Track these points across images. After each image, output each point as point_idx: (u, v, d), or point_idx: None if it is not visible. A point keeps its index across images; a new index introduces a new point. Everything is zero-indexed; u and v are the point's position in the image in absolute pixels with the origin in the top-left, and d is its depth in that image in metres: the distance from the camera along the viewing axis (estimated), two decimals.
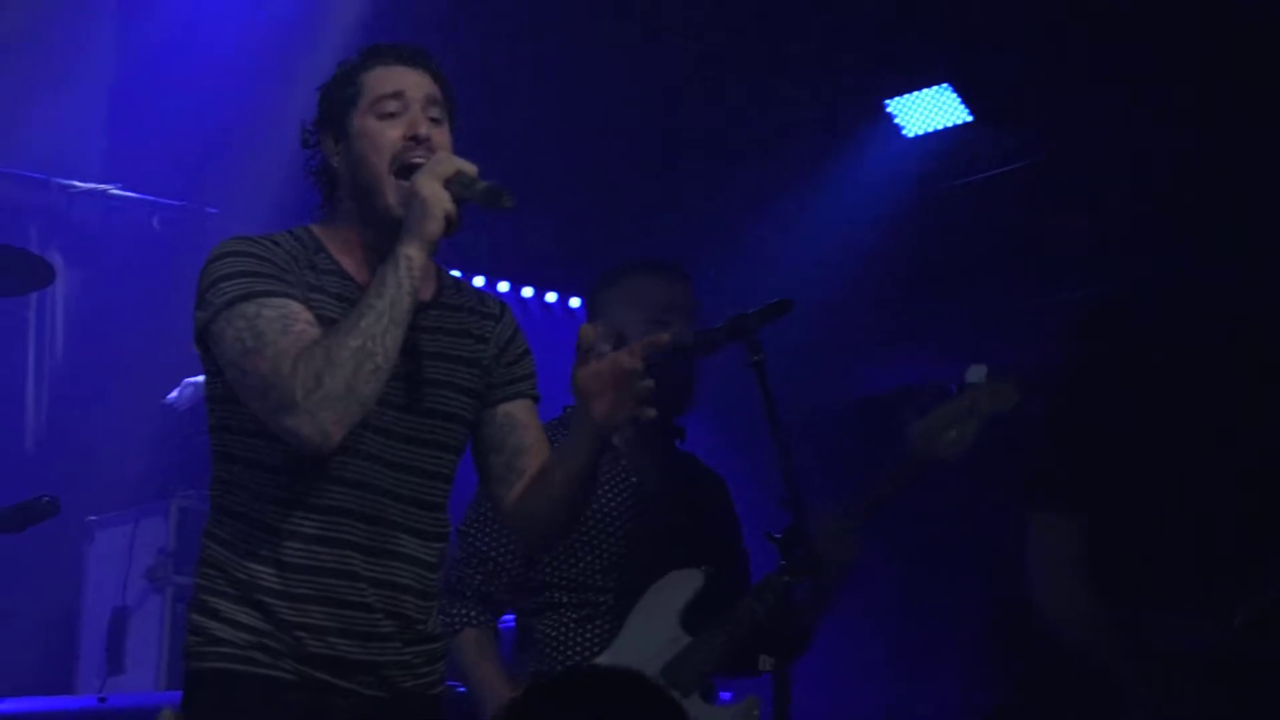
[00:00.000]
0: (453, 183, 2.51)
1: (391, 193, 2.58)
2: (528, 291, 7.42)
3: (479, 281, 7.18)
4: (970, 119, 6.26)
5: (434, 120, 2.64)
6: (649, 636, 3.75)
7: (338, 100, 2.68)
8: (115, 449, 6.03)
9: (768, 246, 6.73)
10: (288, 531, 2.54)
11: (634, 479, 3.84)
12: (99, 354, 6.33)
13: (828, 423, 6.17)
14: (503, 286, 7.22)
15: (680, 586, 3.76)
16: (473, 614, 3.69)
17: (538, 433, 2.81)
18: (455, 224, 2.50)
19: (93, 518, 5.62)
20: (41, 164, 6.48)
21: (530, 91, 6.48)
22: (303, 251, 2.61)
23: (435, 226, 2.47)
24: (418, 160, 2.58)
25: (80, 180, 6.55)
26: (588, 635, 3.74)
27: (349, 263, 2.66)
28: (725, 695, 3.98)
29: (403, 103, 2.62)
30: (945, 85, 6.23)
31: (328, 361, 2.43)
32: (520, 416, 2.78)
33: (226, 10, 6.77)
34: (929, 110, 6.44)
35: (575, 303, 7.29)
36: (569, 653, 3.69)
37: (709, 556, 3.81)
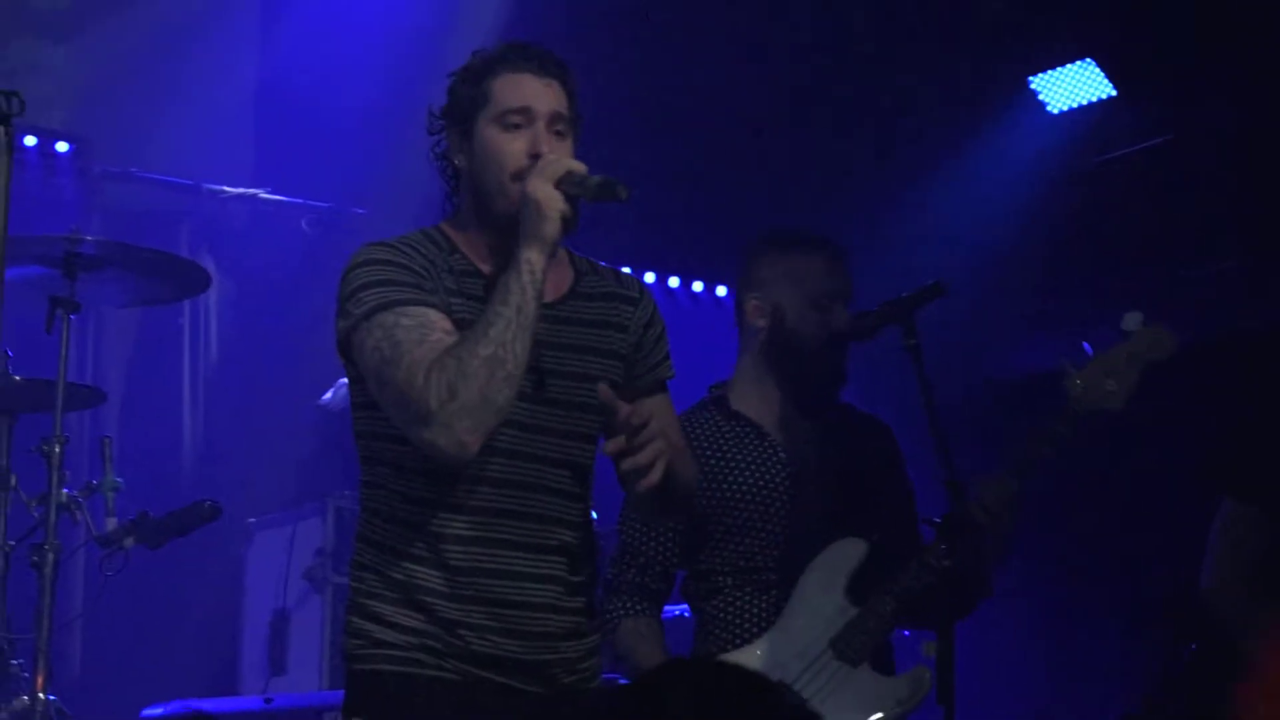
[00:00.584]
0: (564, 182, 2.55)
1: (512, 198, 2.64)
2: (674, 281, 7.43)
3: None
4: (1114, 94, 6.21)
5: (558, 134, 2.67)
6: (815, 609, 3.73)
7: (466, 101, 2.72)
8: (272, 452, 6.15)
9: (913, 227, 6.70)
10: (444, 534, 2.58)
11: (783, 455, 3.81)
12: (253, 358, 6.43)
13: (983, 405, 6.13)
14: (649, 277, 7.18)
15: (844, 557, 3.73)
16: (629, 605, 3.72)
17: (670, 419, 2.86)
18: (573, 223, 2.55)
19: (252, 520, 5.71)
20: (192, 169, 6.58)
21: (666, 75, 6.53)
22: (439, 254, 2.66)
23: (551, 228, 2.52)
24: None
25: (230, 185, 6.65)
26: (755, 612, 3.73)
27: (483, 264, 2.71)
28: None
29: (528, 117, 2.66)
30: (1089, 60, 6.19)
31: (460, 372, 2.47)
32: (653, 407, 2.80)
33: (367, 9, 6.84)
34: (1073, 86, 6.38)
35: (722, 291, 7.30)
36: (737, 630, 3.68)
37: (872, 519, 3.78)
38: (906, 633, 3.99)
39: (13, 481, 4.47)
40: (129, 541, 4.47)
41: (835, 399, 3.91)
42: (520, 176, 2.61)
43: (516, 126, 2.64)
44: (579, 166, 2.58)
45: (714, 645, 3.72)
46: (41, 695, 4.23)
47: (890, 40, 6.31)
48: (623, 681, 4.19)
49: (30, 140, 6.09)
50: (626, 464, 2.55)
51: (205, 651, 5.87)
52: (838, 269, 3.85)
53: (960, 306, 4.24)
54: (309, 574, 5.49)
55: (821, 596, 3.73)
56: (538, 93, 2.69)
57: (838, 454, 3.90)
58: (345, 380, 5.25)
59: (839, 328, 3.75)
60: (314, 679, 5.44)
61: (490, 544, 2.61)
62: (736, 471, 3.83)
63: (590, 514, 2.85)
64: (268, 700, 4.99)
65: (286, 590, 5.55)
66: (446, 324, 2.56)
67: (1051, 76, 6.41)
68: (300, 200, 6.79)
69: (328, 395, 5.81)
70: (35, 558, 4.23)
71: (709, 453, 3.86)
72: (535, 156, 2.60)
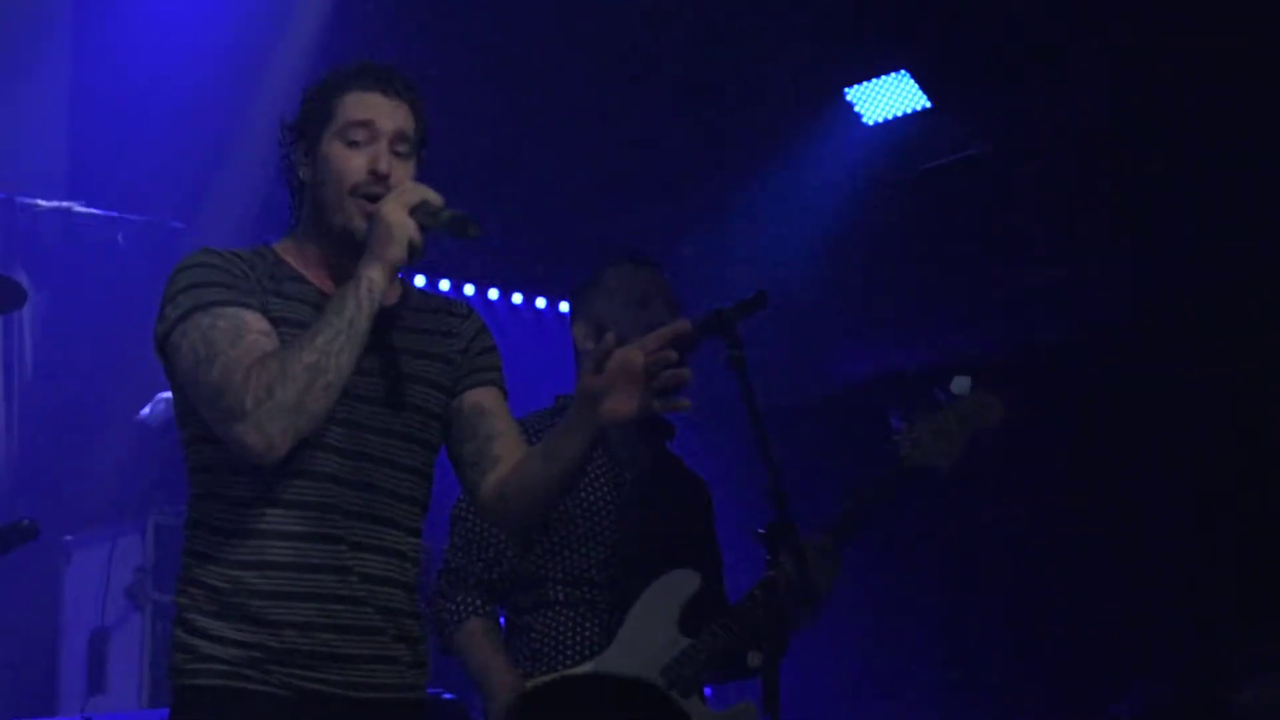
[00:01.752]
0: (419, 210, 2.57)
1: (349, 212, 2.65)
2: (494, 293, 7.47)
3: (444, 285, 7.22)
4: (929, 105, 6.29)
5: (399, 155, 2.70)
6: (648, 637, 3.76)
7: (312, 115, 2.74)
8: (89, 468, 6.04)
9: (734, 239, 6.78)
10: (271, 531, 2.58)
11: (627, 474, 3.86)
12: (69, 373, 6.32)
13: (807, 414, 6.17)
14: (468, 289, 7.28)
15: (677, 588, 3.77)
16: (477, 603, 3.71)
17: (508, 420, 2.88)
18: (419, 252, 2.57)
19: (69, 538, 5.60)
20: (3, 183, 6.43)
21: (495, 94, 6.48)
22: (261, 262, 2.67)
23: (398, 252, 2.54)
24: (377, 191, 2.65)
25: (43, 199, 6.52)
26: (586, 634, 3.76)
27: (311, 274, 2.72)
28: (707, 691, 3.96)
29: (371, 133, 2.68)
30: (903, 71, 6.24)
31: (281, 374, 2.49)
32: (489, 404, 2.85)
33: (185, 20, 6.64)
34: (888, 97, 6.45)
35: (541, 303, 7.38)
36: (568, 651, 3.70)
37: (699, 555, 3.84)
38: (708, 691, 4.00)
39: None
40: None
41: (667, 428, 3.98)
42: (357, 191, 2.63)
43: (358, 143, 2.66)
44: (436, 198, 2.60)
45: (542, 662, 3.72)
46: None
47: (710, 55, 6.30)
48: (448, 696, 4.21)
49: None
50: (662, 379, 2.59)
51: (22, 671, 5.74)
52: (644, 270, 3.94)
53: (783, 317, 4.33)
54: (129, 591, 5.38)
55: (655, 624, 3.76)
56: (383, 110, 2.71)
57: (670, 486, 3.98)
58: (164, 395, 5.43)
59: (663, 321, 3.65)
60: (134, 698, 5.35)
61: (318, 539, 2.62)
62: (584, 488, 3.87)
63: (421, 518, 2.84)
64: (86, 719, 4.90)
65: (105, 608, 5.45)
66: (262, 324, 2.58)
67: (867, 88, 6.45)
68: (116, 214, 6.66)
69: (146, 410, 5.74)
70: None
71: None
72: (374, 173, 2.62)
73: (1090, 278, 6.37)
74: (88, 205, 6.61)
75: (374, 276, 2.55)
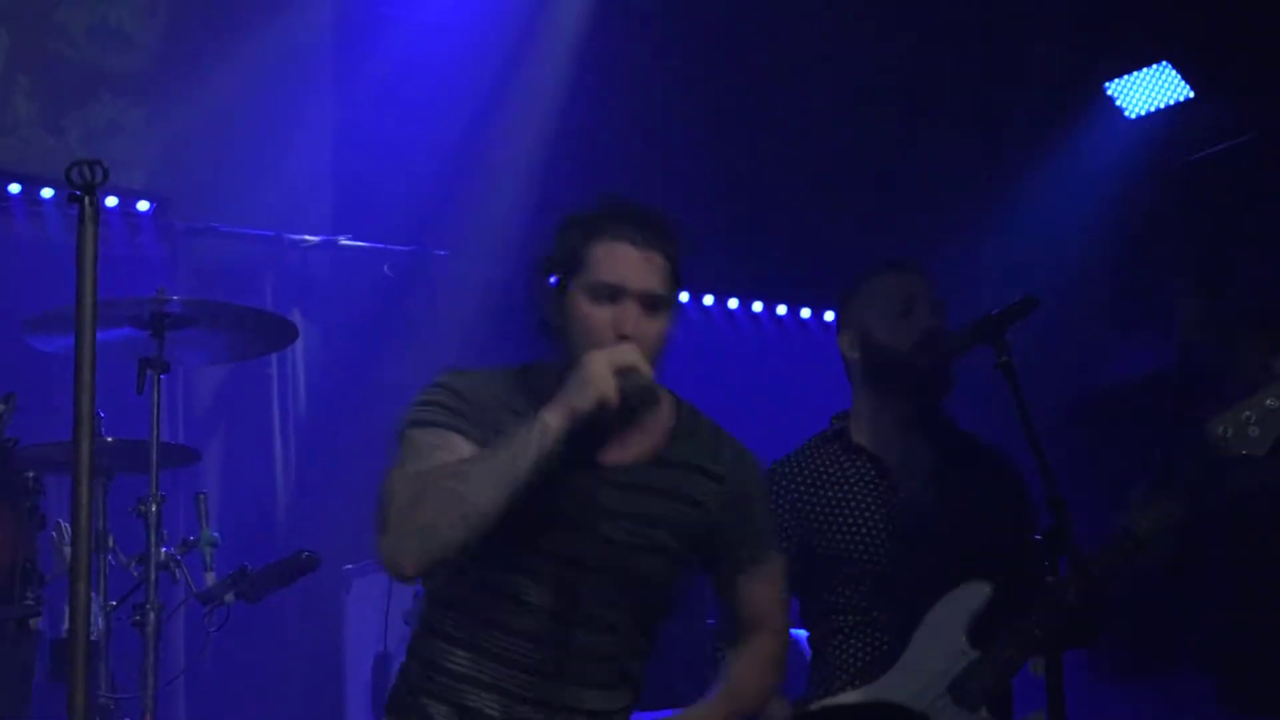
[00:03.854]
0: (621, 372, 2.59)
1: None
2: (758, 306, 7.53)
3: (708, 300, 7.31)
4: (1192, 95, 6.24)
5: (650, 309, 2.69)
6: (935, 651, 3.72)
7: (562, 257, 2.75)
8: (364, 497, 5.99)
9: (997, 241, 6.67)
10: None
11: (905, 494, 3.84)
12: (341, 404, 6.42)
13: (1081, 418, 6.08)
14: (732, 303, 7.35)
15: (968, 600, 3.72)
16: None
17: (770, 603, 3.10)
18: (608, 408, 2.58)
19: (349, 567, 5.70)
20: (272, 220, 6.56)
21: (759, 104, 6.57)
22: (507, 394, 2.72)
23: (585, 404, 2.54)
24: None
25: (310, 234, 6.61)
26: (873, 653, 3.75)
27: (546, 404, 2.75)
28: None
29: (619, 294, 2.67)
30: (1164, 63, 6.23)
31: (423, 493, 2.52)
32: (754, 593, 3.03)
33: (440, 58, 6.83)
34: (1150, 89, 6.42)
35: (806, 313, 7.43)
36: (856, 671, 3.71)
37: (992, 564, 3.74)
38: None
39: (110, 542, 4.52)
40: (229, 597, 4.56)
41: (941, 406, 3.91)
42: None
43: (607, 300, 2.66)
44: (644, 367, 2.62)
45: (833, 684, 3.74)
46: None
47: (965, 52, 6.31)
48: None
49: (112, 201, 6.06)
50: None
51: (310, 700, 5.90)
52: (908, 276, 3.89)
53: (1050, 319, 4.29)
54: (407, 617, 5.44)
55: (942, 639, 3.72)
56: (633, 268, 2.69)
57: (961, 488, 3.90)
58: None
59: (928, 326, 3.76)
60: None
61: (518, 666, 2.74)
62: (861, 514, 3.83)
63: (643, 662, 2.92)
64: None
65: (386, 633, 5.52)
66: (465, 449, 2.63)
67: (1128, 81, 6.44)
68: (382, 245, 6.75)
69: None
70: (137, 617, 4.29)
71: (833, 491, 3.90)
72: (621, 336, 2.63)
73: None
74: (353, 238, 6.68)
75: (552, 421, 2.56)
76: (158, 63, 6.55)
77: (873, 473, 3.86)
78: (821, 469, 3.90)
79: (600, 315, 2.66)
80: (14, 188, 6.15)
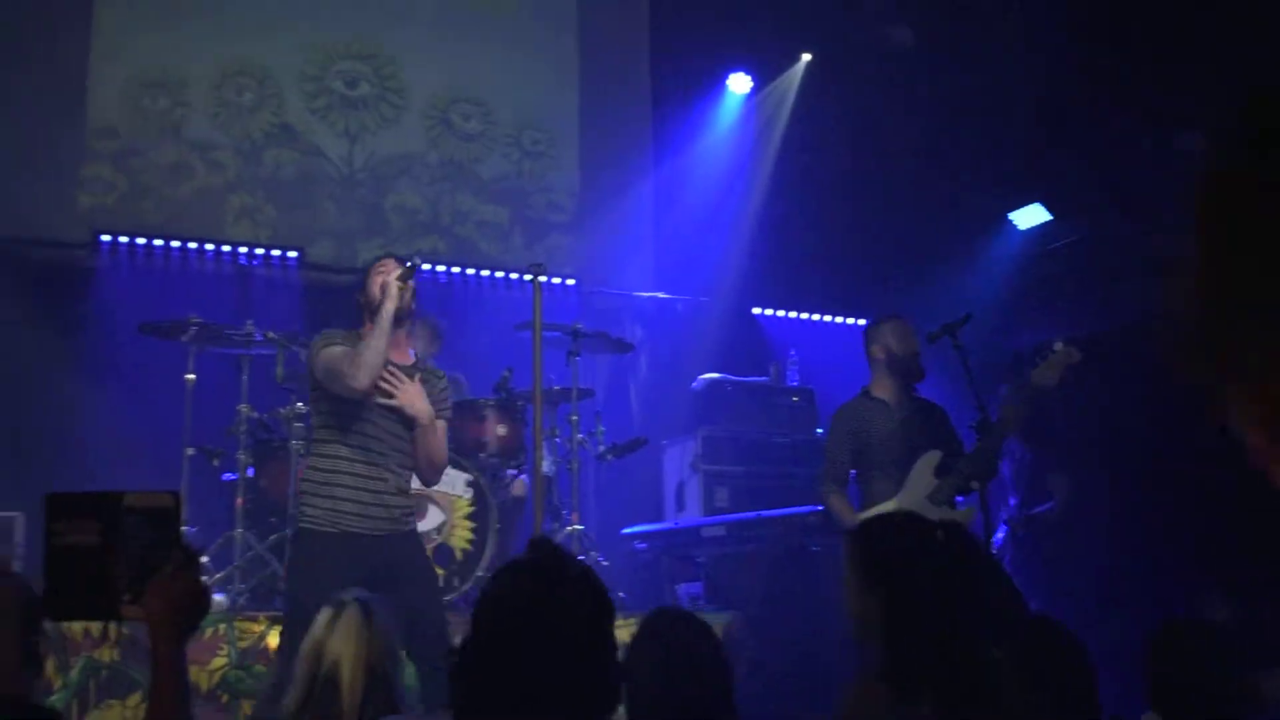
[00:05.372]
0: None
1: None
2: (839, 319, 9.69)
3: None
4: (1050, 217, 8.51)
5: (403, 280, 4.58)
6: (920, 483, 5.20)
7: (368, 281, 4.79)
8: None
9: (954, 283, 8.58)
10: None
11: (898, 416, 5.36)
12: (661, 403, 8.40)
13: (990, 375, 6.59)
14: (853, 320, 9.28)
15: (929, 459, 5.22)
16: (834, 485, 5.40)
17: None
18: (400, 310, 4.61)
19: (664, 441, 7.82)
20: (618, 281, 8.88)
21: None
22: (352, 339, 4.77)
23: (392, 305, 4.59)
24: None
25: (643, 289, 8.92)
26: (893, 488, 5.24)
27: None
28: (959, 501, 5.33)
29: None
30: (1038, 203, 8.51)
31: (351, 356, 4.66)
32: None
33: (733, 139, 9.22)
34: (1029, 215, 8.78)
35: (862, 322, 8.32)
36: (882, 499, 5.19)
37: (942, 444, 5.37)
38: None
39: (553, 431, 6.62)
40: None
41: (917, 386, 5.47)
42: None
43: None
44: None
45: (872, 506, 5.11)
46: None
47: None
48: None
49: (556, 280, 8.57)
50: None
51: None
52: (905, 322, 5.47)
53: (979, 324, 5.49)
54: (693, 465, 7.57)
55: (921, 476, 5.22)
56: (393, 268, 4.76)
57: (924, 416, 5.46)
58: (708, 376, 8.16)
59: (915, 348, 5.42)
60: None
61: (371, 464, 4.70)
62: (878, 426, 5.40)
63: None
64: None
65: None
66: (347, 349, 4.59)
67: (1020, 212, 8.80)
68: (689, 296, 8.97)
69: (696, 384, 7.93)
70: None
71: (863, 418, 5.50)
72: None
73: None
74: (669, 292, 9.04)
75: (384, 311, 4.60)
76: (585, 205, 9.10)
77: (883, 409, 5.40)
78: (863, 409, 5.46)
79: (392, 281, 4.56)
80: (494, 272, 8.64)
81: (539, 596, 2.07)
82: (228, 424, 6.49)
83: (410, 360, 4.93)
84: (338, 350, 4.72)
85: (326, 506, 4.76)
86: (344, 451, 4.76)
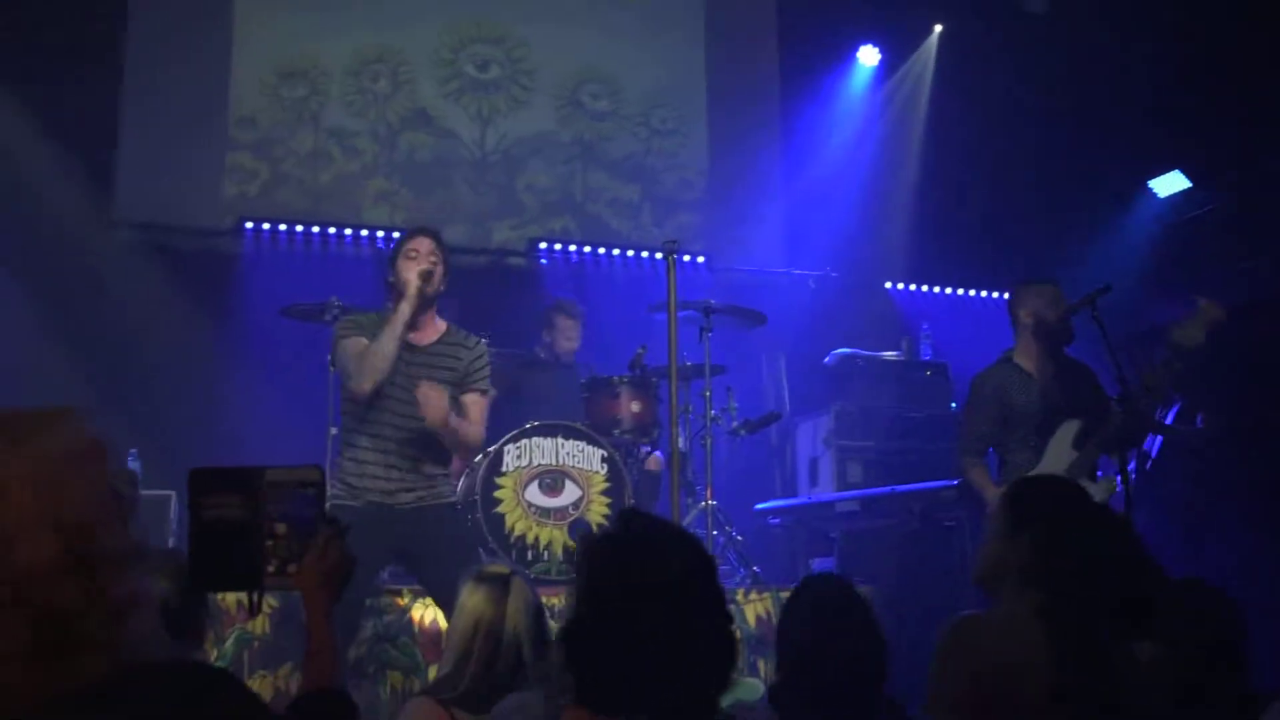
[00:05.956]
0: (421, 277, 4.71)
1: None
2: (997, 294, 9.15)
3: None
4: (1190, 185, 8.43)
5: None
6: (1060, 452, 5.07)
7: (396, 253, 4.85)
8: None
9: (1094, 255, 8.66)
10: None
11: (1039, 384, 5.20)
12: (793, 379, 8.40)
13: (1129, 344, 6.46)
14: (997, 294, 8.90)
15: (1069, 427, 5.07)
16: (974, 457, 5.26)
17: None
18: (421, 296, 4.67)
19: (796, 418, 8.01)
20: (748, 258, 8.93)
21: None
22: (375, 324, 4.80)
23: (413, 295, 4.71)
24: None
25: (772, 266, 9.00)
26: (1033, 458, 5.12)
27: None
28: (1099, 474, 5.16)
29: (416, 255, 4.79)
30: (1177, 170, 8.48)
31: (363, 355, 4.68)
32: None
33: (857, 112, 9.33)
34: (1170, 183, 8.71)
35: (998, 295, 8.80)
36: (1025, 468, 5.05)
37: (1082, 414, 5.15)
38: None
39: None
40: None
41: (1065, 351, 5.27)
42: None
43: (411, 260, 4.85)
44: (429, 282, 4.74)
45: (1014, 475, 4.90)
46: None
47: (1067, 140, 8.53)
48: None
49: (686, 257, 8.41)
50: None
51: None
52: (1055, 285, 5.31)
53: (1120, 295, 5.38)
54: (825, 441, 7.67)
55: (1061, 445, 5.08)
56: (420, 244, 4.90)
57: (1068, 381, 5.24)
58: (840, 351, 8.24)
59: (1063, 312, 5.23)
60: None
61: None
62: (1020, 396, 5.24)
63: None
64: None
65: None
66: (366, 343, 4.58)
67: (1160, 180, 8.69)
68: (805, 270, 9.10)
69: (829, 359, 7.98)
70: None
71: (1006, 386, 5.34)
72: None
73: None
74: (799, 268, 9.14)
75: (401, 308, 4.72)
76: (714, 182, 9.20)
77: (1025, 376, 5.24)
78: (1005, 375, 5.31)
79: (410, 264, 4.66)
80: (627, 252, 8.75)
81: (635, 564, 2.07)
82: None
83: (435, 338, 4.95)
84: (350, 345, 4.79)
85: (351, 482, 4.86)
86: (365, 429, 4.89)
